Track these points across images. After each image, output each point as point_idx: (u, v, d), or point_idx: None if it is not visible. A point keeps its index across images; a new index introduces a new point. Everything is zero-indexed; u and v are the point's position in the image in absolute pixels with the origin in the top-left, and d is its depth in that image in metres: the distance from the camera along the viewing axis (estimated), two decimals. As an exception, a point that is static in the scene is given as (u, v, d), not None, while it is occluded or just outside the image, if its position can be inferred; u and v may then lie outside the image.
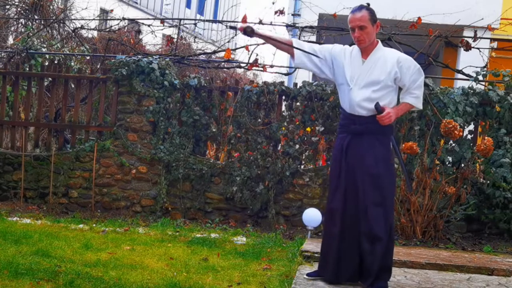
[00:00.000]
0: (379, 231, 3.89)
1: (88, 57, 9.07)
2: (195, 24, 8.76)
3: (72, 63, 8.43)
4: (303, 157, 6.83)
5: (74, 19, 9.83)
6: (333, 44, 4.18)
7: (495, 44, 8.03)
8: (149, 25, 8.49)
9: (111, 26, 9.57)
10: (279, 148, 6.82)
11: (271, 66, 7.37)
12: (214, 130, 6.99)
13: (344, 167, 4.01)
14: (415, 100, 4.03)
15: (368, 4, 4.03)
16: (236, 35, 7.64)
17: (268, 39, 4.08)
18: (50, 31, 9.30)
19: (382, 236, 3.89)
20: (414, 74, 3.98)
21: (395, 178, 4.13)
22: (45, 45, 8.51)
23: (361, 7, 3.95)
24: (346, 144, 4.01)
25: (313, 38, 8.10)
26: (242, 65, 7.67)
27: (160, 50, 10.78)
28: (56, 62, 8.19)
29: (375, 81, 3.94)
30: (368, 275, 3.94)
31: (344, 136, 4.06)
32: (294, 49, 4.05)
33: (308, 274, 4.22)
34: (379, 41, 4.03)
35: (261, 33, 4.05)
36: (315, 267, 4.45)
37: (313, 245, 5.18)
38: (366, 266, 3.95)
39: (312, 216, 5.92)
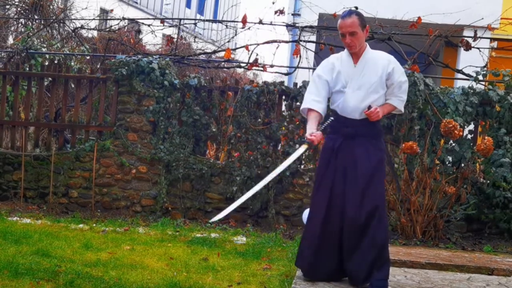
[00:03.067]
0: (375, 233, 3.88)
1: (88, 57, 9.07)
2: (195, 24, 8.75)
3: (72, 63, 8.42)
4: (303, 156, 6.83)
5: (74, 19, 9.84)
6: (326, 59, 4.22)
7: (495, 44, 8.03)
8: (149, 25, 8.48)
9: (111, 26, 9.57)
10: (279, 148, 6.82)
11: (271, 66, 7.38)
12: (214, 130, 6.98)
13: (332, 167, 4.05)
14: (401, 103, 4.13)
15: (356, 8, 4.06)
16: (236, 35, 7.64)
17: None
18: (50, 31, 9.30)
19: (378, 236, 3.88)
20: (401, 76, 4.06)
21: (384, 180, 4.15)
22: (45, 45, 8.50)
23: (350, 13, 3.99)
24: (338, 146, 4.06)
25: (313, 38, 8.10)
26: (242, 65, 7.67)
27: (160, 50, 10.78)
28: (56, 62, 8.18)
29: (367, 83, 4.00)
30: (358, 273, 3.91)
31: (335, 138, 4.11)
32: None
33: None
34: (367, 44, 4.09)
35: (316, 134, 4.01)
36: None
37: (313, 245, 5.17)
38: (353, 266, 3.92)
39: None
